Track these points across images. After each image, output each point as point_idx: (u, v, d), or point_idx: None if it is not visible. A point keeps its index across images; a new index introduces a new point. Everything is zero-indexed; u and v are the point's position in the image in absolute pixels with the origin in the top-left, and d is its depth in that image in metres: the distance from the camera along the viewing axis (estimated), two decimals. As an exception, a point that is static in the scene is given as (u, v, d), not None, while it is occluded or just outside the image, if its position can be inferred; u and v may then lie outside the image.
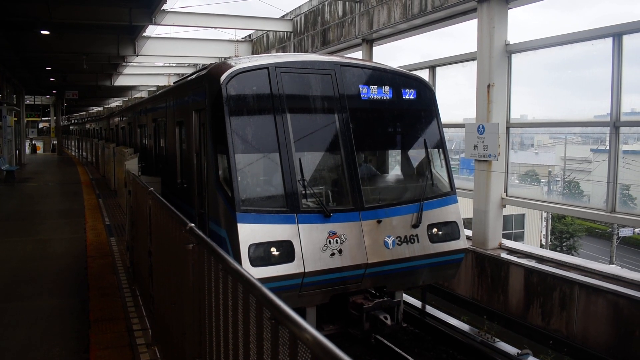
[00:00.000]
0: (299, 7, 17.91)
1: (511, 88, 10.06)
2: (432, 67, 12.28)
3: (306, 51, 17.31)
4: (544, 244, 32.30)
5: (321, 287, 6.03)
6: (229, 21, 17.73)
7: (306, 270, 5.79)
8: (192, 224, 3.43)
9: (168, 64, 28.25)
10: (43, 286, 7.28)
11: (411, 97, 7.29)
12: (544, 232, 33.22)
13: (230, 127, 5.99)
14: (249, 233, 5.68)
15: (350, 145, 6.58)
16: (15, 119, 28.62)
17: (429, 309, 8.77)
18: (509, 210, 16.02)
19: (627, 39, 8.00)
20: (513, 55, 9.92)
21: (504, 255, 9.50)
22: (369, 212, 6.41)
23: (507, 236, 16.61)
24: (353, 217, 6.29)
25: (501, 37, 9.78)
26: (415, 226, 6.64)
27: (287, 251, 5.78)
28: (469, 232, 10.02)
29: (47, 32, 17.38)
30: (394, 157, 7.93)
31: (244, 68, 6.31)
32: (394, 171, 7.86)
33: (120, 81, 31.90)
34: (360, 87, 6.92)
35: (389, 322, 6.04)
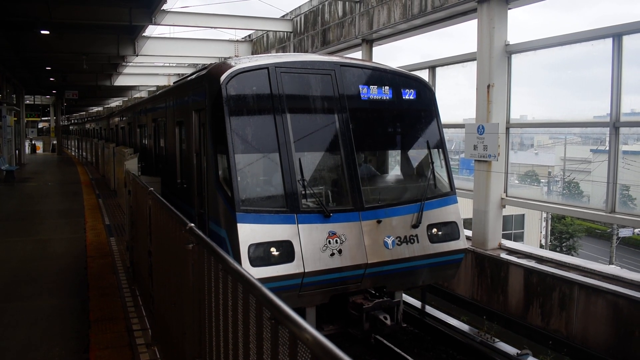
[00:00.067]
0: (299, 7, 17.92)
1: (511, 88, 10.06)
2: (432, 67, 12.28)
3: (306, 51, 17.32)
4: (543, 244, 32.30)
5: (321, 287, 6.03)
6: (229, 21, 17.74)
7: (306, 271, 5.79)
8: (192, 224, 3.43)
9: (168, 64, 28.26)
10: (43, 286, 7.28)
11: (411, 97, 7.29)
12: (543, 232, 33.22)
13: (230, 127, 6.00)
14: (249, 233, 5.69)
15: (350, 146, 6.58)
16: (15, 118, 28.62)
17: (429, 309, 8.77)
18: (509, 210, 16.03)
19: (627, 40, 8.00)
20: (513, 56, 9.92)
21: (503, 255, 9.50)
22: (369, 212, 6.41)
23: (506, 236, 16.60)
24: (353, 217, 6.29)
25: (501, 37, 9.78)
26: (415, 226, 6.64)
27: (286, 251, 5.79)
28: (468, 233, 10.02)
29: (47, 32, 17.38)
30: (394, 157, 7.93)
31: (243, 68, 6.31)
32: (394, 171, 7.87)
33: (120, 81, 31.90)
34: (360, 87, 6.92)
35: (388, 322, 6.04)
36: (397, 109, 7.26)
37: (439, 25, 12.27)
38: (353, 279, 6.21)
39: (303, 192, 6.12)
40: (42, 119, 57.99)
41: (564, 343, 8.13)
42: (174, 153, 9.02)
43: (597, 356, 7.65)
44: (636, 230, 34.93)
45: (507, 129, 10.07)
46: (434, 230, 6.80)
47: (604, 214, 8.38)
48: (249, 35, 22.31)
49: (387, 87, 7.11)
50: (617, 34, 8.06)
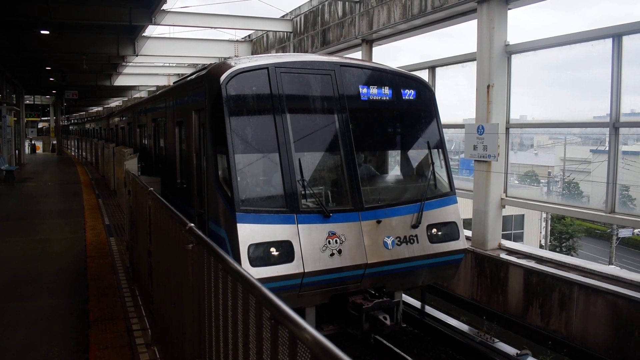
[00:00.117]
0: (299, 7, 17.92)
1: (511, 89, 10.06)
2: (432, 67, 12.28)
3: (306, 51, 17.32)
4: (543, 244, 32.28)
5: (321, 287, 6.03)
6: (229, 21, 17.74)
7: (306, 271, 5.79)
8: (192, 224, 3.43)
9: (168, 64, 28.26)
10: (43, 286, 7.28)
11: (411, 97, 7.29)
12: (543, 232, 33.20)
13: (229, 127, 6.00)
14: (249, 233, 5.69)
15: (350, 146, 6.59)
16: (15, 118, 28.62)
17: (428, 309, 8.78)
18: (509, 210, 16.04)
19: (626, 40, 8.00)
20: (513, 56, 9.93)
21: (503, 255, 9.50)
22: (369, 212, 6.41)
23: (506, 237, 16.61)
24: (352, 218, 6.29)
25: (501, 37, 9.78)
26: (414, 226, 6.64)
27: (286, 251, 5.79)
28: (468, 233, 10.02)
29: (47, 32, 17.39)
30: (394, 158, 7.93)
31: (243, 68, 6.31)
32: (394, 171, 7.87)
33: (120, 81, 31.90)
34: (360, 87, 6.92)
35: (388, 322, 6.04)
36: (397, 109, 7.26)
37: (438, 26, 12.27)
38: (353, 279, 6.21)
39: (303, 192, 6.12)
40: (42, 119, 58.01)
41: (564, 343, 8.13)
42: (173, 153, 9.02)
43: (597, 356, 7.65)
44: (636, 231, 34.90)
45: (507, 129, 10.08)
46: (434, 230, 6.80)
47: (604, 214, 8.38)
48: (249, 36, 22.31)
49: (387, 87, 7.11)
50: (617, 34, 8.07)
